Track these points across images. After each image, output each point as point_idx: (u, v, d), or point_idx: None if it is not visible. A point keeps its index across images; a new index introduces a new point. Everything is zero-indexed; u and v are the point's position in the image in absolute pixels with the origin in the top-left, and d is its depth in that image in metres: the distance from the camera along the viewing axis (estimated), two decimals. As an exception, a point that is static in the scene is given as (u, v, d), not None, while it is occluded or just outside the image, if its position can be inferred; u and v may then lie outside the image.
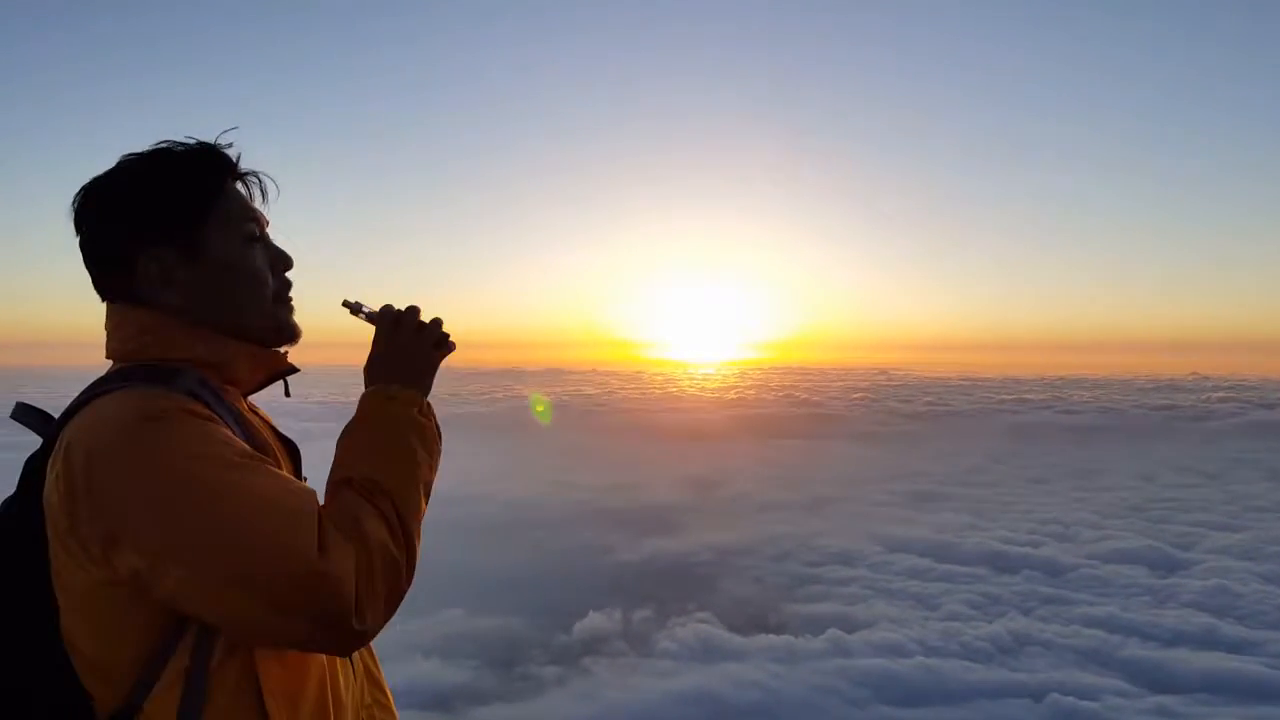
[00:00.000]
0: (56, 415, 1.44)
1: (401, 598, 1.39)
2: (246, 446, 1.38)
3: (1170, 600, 19.63)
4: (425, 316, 1.66)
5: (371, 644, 1.63)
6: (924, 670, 15.54)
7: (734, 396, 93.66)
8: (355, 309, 1.68)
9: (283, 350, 1.59)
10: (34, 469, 1.38)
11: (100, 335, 1.50)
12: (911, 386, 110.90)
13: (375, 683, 1.62)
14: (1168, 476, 37.14)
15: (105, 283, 1.49)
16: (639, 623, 18.26)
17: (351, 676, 1.53)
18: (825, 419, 64.67)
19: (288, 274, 1.59)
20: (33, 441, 1.44)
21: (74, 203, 1.48)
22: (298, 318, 1.61)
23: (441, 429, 1.62)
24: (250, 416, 1.53)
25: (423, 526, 1.48)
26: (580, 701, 14.73)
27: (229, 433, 1.37)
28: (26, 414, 1.48)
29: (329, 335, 1.61)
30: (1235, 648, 16.66)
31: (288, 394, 1.67)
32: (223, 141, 1.52)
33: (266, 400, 1.68)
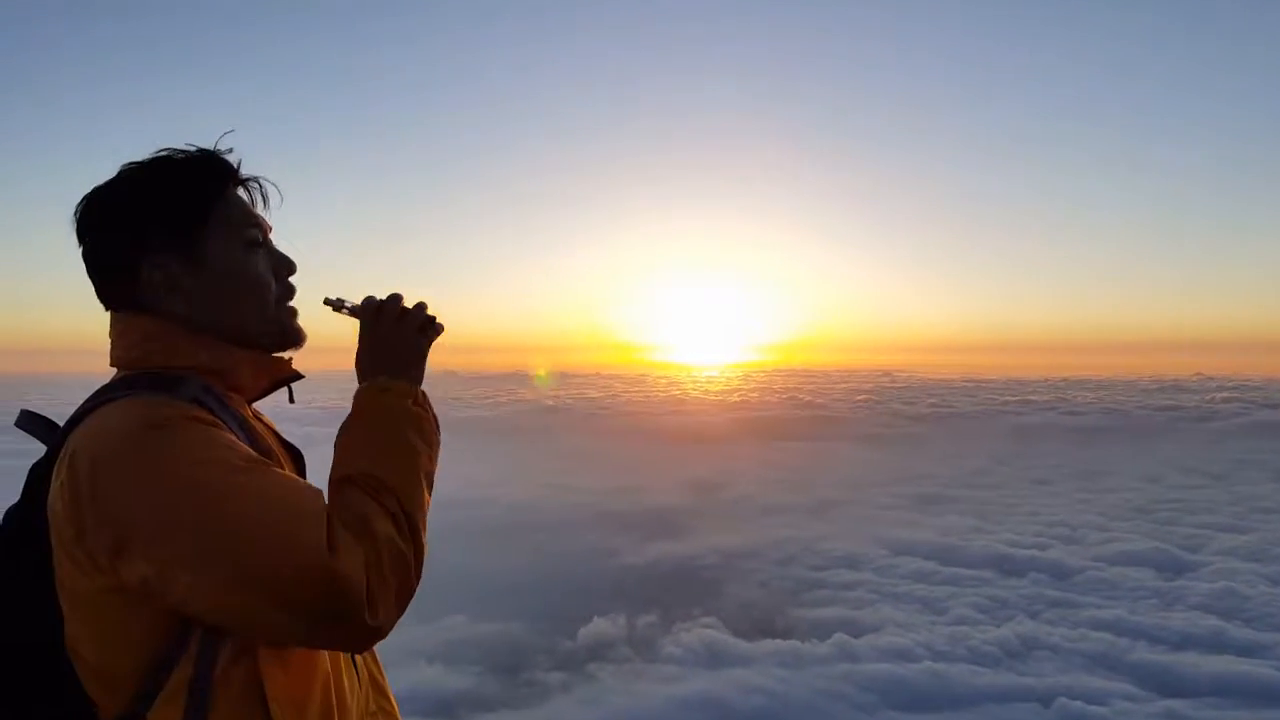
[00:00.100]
0: (61, 423, 1.43)
1: (412, 592, 1.39)
2: (251, 451, 1.37)
3: (1178, 603, 19.60)
4: (411, 302, 1.64)
5: (376, 650, 1.63)
6: (931, 675, 15.51)
7: (737, 399, 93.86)
8: (337, 305, 1.64)
9: (287, 355, 1.59)
10: (38, 477, 1.38)
11: (104, 342, 1.50)
12: (915, 389, 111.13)
13: (379, 689, 1.61)
14: (1173, 478, 37.16)
15: (108, 291, 1.49)
16: (644, 628, 18.27)
17: (356, 683, 1.53)
18: (829, 421, 64.81)
19: (291, 279, 1.59)
20: (37, 449, 1.43)
21: (76, 212, 1.47)
22: (301, 322, 1.60)
23: (443, 431, 1.61)
24: (254, 423, 1.53)
25: (425, 530, 1.47)
26: (585, 708, 14.74)
27: (233, 438, 1.37)
28: (31, 422, 1.49)
29: (332, 340, 1.59)
30: (1245, 650, 16.62)
31: (292, 400, 1.66)
32: (222, 147, 1.52)
33: (270, 406, 1.67)
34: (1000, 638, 17.29)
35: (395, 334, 1.59)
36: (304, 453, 1.64)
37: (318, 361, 1.72)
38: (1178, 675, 15.55)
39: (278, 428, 1.65)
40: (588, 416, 69.03)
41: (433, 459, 1.54)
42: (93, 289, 1.51)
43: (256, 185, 1.56)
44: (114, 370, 1.48)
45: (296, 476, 1.46)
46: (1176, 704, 14.42)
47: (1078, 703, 14.19)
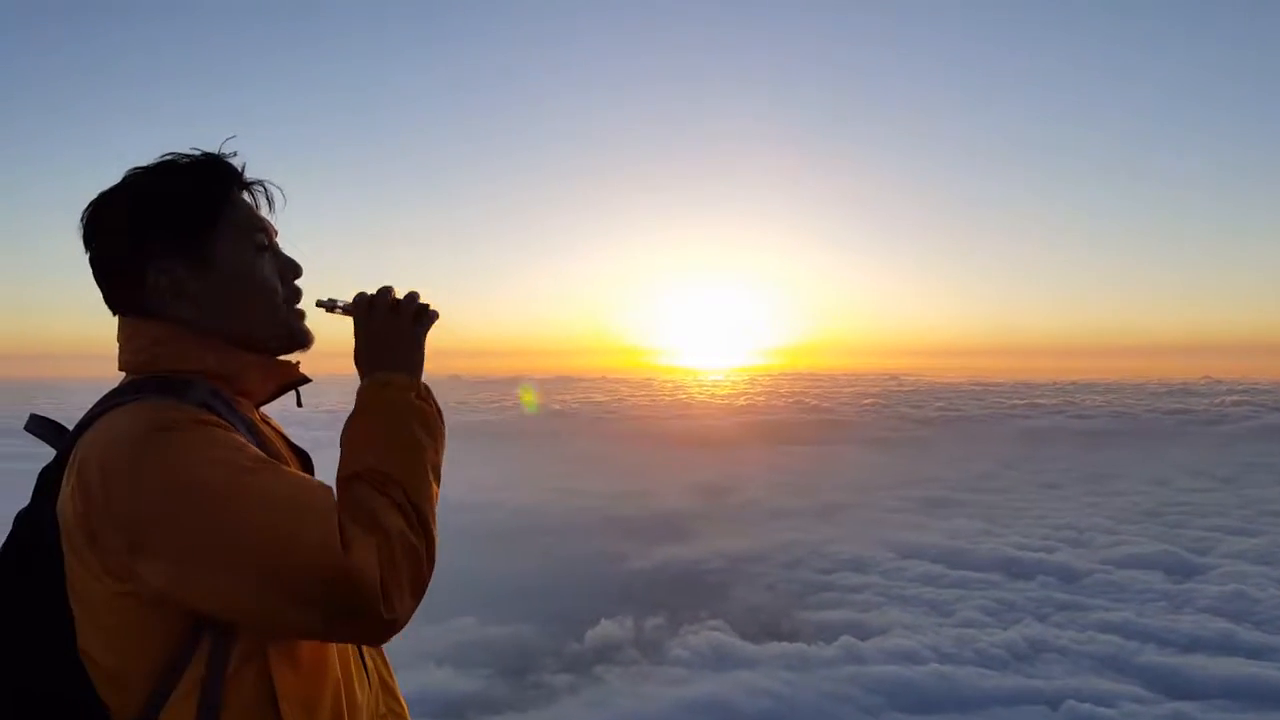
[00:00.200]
0: (70, 427, 1.44)
1: (426, 583, 1.39)
2: (259, 452, 1.38)
3: (1187, 605, 19.57)
4: (403, 294, 1.63)
5: (386, 653, 1.65)
6: (938, 677, 15.49)
7: (744, 403, 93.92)
8: (330, 306, 1.63)
9: (295, 358, 1.59)
10: (48, 481, 1.39)
11: (113, 347, 1.50)
12: (922, 392, 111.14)
13: (390, 691, 1.62)
14: (1181, 481, 37.07)
15: (116, 296, 1.49)
16: (651, 630, 18.27)
17: (366, 685, 1.53)
18: (836, 425, 64.81)
19: (297, 282, 1.59)
20: (46, 453, 1.44)
21: (82, 218, 1.48)
22: (308, 324, 1.60)
23: (450, 435, 1.60)
24: (262, 427, 1.54)
25: (435, 522, 1.47)
26: (593, 710, 14.75)
27: (242, 439, 1.38)
28: (40, 426, 1.49)
29: (339, 344, 1.58)
30: (1253, 653, 16.58)
31: (299, 404, 1.67)
32: (226, 151, 1.52)
33: (278, 411, 1.67)
34: (1008, 640, 17.26)
35: (390, 327, 1.59)
36: (312, 456, 1.64)
37: (325, 365, 1.70)
38: (1186, 677, 15.52)
39: (286, 431, 1.66)
40: (594, 421, 69.10)
41: (438, 451, 1.54)
42: (100, 294, 1.51)
43: (261, 189, 1.57)
44: (122, 374, 1.49)
45: (306, 475, 1.46)
46: (1185, 706, 14.38)
47: (1086, 705, 14.17)
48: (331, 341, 1.63)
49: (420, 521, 1.40)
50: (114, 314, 1.51)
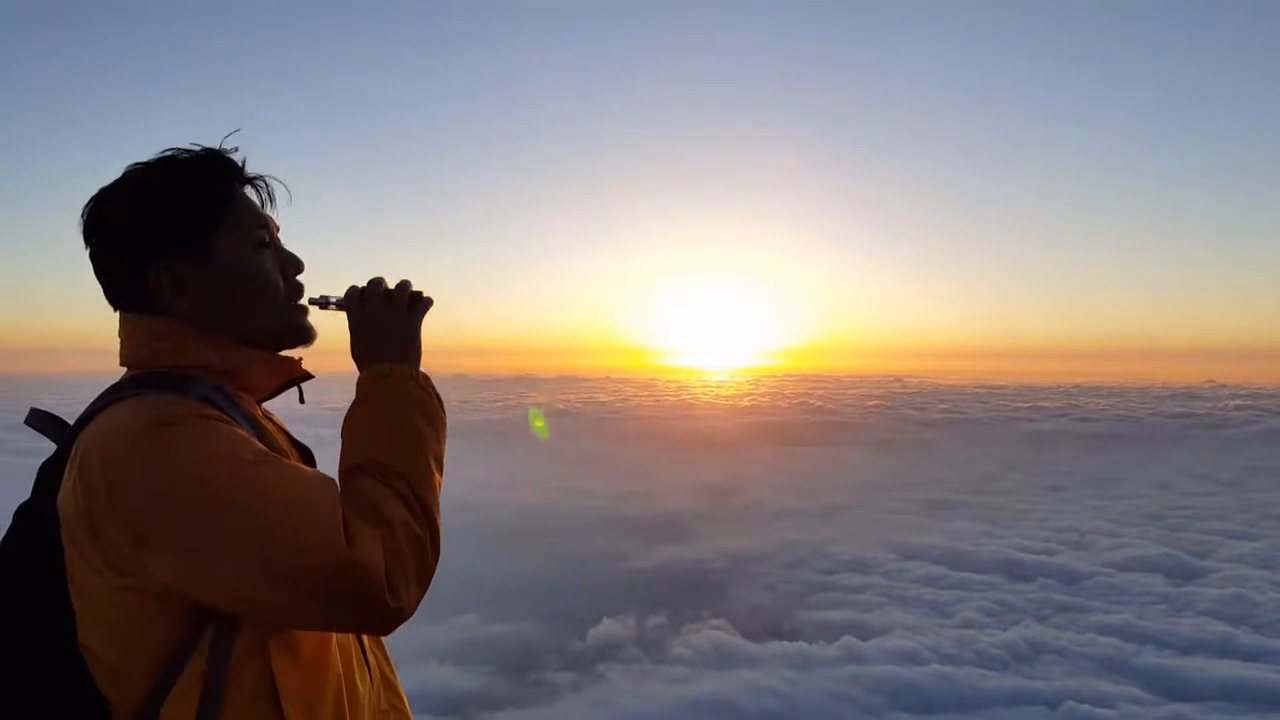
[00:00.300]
0: (71, 421, 1.44)
1: (431, 573, 1.39)
2: (262, 446, 1.38)
3: (1186, 608, 19.50)
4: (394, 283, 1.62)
5: (387, 649, 1.65)
6: (939, 678, 15.48)
7: (748, 404, 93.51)
8: (322, 303, 1.61)
9: (297, 354, 1.59)
10: (49, 475, 1.39)
11: (114, 342, 1.50)
12: (926, 394, 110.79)
13: (391, 688, 1.62)
14: (1184, 484, 36.93)
15: (116, 292, 1.49)
16: (653, 629, 18.23)
17: (368, 680, 1.53)
18: (839, 426, 64.58)
19: (299, 277, 1.58)
20: (47, 447, 1.44)
21: (83, 214, 1.47)
22: (311, 320, 1.60)
23: (453, 435, 1.59)
24: (265, 423, 1.54)
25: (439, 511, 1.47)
26: (595, 708, 14.72)
27: (244, 433, 1.38)
28: (41, 420, 1.49)
29: (343, 342, 1.61)
30: (1252, 656, 16.53)
31: (302, 400, 1.66)
32: (228, 147, 1.52)
33: (281, 407, 1.67)
34: (1008, 641, 17.21)
35: (384, 317, 1.58)
36: (314, 453, 1.63)
37: (327, 363, 1.69)
38: (1185, 680, 15.45)
39: (289, 428, 1.66)
40: (598, 421, 68.77)
41: (439, 439, 1.52)
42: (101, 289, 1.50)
43: (263, 184, 1.56)
44: (124, 370, 1.49)
45: (309, 468, 1.47)
46: (1183, 708, 14.32)
47: (1085, 706, 14.11)
48: (335, 339, 1.62)
49: (424, 511, 1.40)
50: (115, 310, 1.50)
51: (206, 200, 1.47)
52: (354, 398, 1.52)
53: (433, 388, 1.57)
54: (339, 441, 1.49)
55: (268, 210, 1.57)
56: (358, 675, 1.49)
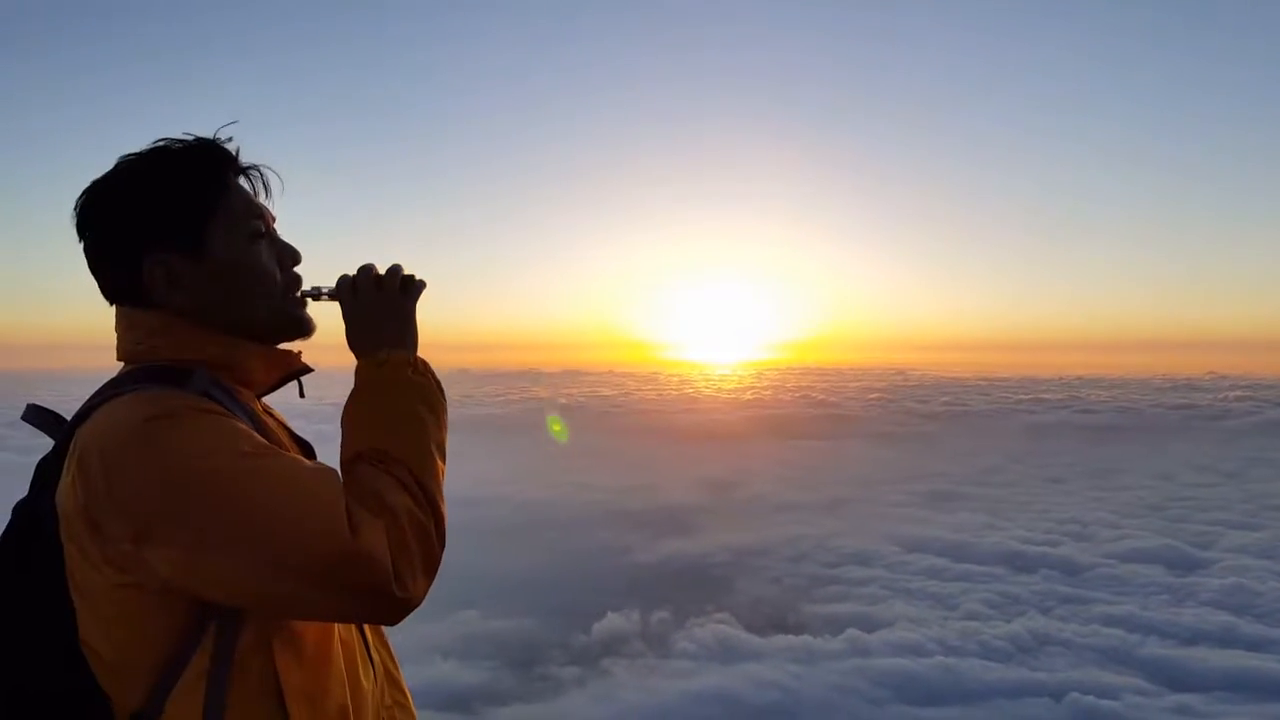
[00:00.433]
0: (69, 417, 1.42)
1: (437, 561, 1.37)
2: (262, 439, 1.36)
3: (1189, 599, 19.55)
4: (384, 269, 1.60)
5: (391, 644, 1.64)
6: (943, 670, 15.52)
7: (750, 397, 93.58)
8: (315, 295, 1.58)
9: (296, 347, 1.56)
10: (46, 471, 1.37)
11: (112, 337, 1.47)
12: (928, 387, 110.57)
13: (395, 683, 1.60)
14: (1185, 475, 36.96)
15: (112, 286, 1.46)
16: (657, 623, 18.25)
17: (371, 676, 1.52)
18: (842, 419, 64.56)
19: (296, 269, 1.55)
20: (45, 444, 1.43)
21: (75, 208, 1.44)
22: (310, 312, 1.57)
23: (456, 429, 1.56)
24: (265, 417, 1.52)
25: (443, 499, 1.45)
26: (599, 702, 14.75)
27: (244, 426, 1.36)
28: (38, 416, 1.47)
29: (340, 335, 1.60)
30: (1254, 645, 16.59)
31: (302, 394, 1.63)
32: (222, 136, 1.48)
33: (280, 403, 1.65)
34: (1012, 633, 17.27)
35: (378, 303, 1.55)
36: (315, 448, 1.60)
37: (327, 357, 1.66)
38: (1188, 670, 15.52)
39: (289, 422, 1.64)
40: (601, 415, 68.81)
41: (441, 425, 1.50)
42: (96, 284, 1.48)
43: (258, 174, 1.52)
44: (122, 364, 1.46)
45: (310, 460, 1.45)
46: (1187, 698, 14.40)
47: (1089, 697, 14.16)
48: (335, 334, 1.59)
49: (427, 499, 1.38)
50: (110, 304, 1.48)
51: (200, 191, 1.44)
52: (353, 388, 1.50)
53: (432, 373, 1.55)
54: (339, 439, 1.47)
55: (263, 200, 1.53)
56: (361, 671, 1.48)
